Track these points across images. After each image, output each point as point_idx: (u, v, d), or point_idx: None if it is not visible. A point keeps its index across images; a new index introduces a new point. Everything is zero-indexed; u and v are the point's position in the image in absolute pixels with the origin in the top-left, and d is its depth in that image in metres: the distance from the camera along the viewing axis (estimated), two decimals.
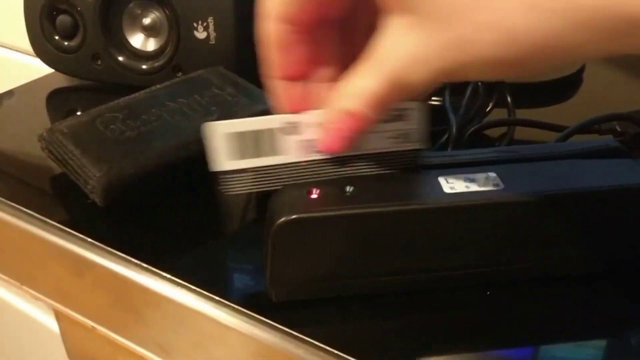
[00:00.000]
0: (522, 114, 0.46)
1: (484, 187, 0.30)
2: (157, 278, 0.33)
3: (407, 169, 0.31)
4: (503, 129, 0.44)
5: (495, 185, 0.31)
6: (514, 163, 0.32)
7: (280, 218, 0.29)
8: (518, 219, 0.30)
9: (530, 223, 0.30)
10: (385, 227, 0.30)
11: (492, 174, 0.31)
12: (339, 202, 0.30)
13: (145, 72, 0.49)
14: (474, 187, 0.30)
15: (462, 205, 0.30)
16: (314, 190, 0.30)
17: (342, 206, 0.30)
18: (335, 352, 0.29)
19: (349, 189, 0.30)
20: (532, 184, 0.31)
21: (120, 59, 0.49)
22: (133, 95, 0.41)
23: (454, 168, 0.32)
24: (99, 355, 0.46)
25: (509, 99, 0.45)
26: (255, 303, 0.31)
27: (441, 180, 0.31)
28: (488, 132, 0.44)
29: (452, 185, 0.30)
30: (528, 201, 0.30)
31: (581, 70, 0.53)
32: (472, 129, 0.40)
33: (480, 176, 0.31)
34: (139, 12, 0.48)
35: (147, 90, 0.42)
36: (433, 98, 0.46)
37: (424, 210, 0.30)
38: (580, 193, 0.30)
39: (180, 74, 0.48)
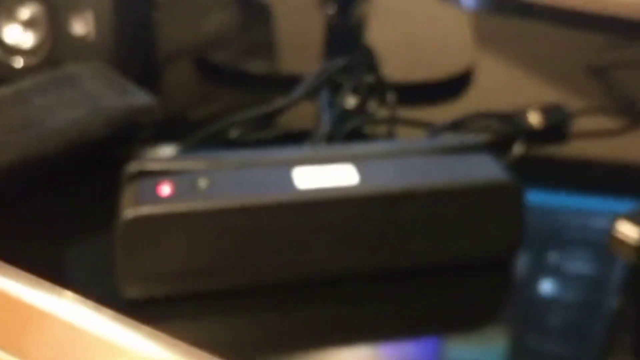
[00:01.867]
0: (408, 113, 0.46)
1: (338, 181, 0.30)
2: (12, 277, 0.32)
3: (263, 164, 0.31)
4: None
5: (351, 179, 0.31)
6: (373, 158, 0.32)
7: (127, 213, 0.28)
8: (370, 213, 0.30)
9: (383, 217, 0.31)
10: (235, 223, 0.29)
11: (349, 167, 0.31)
12: (189, 198, 0.29)
13: (21, 68, 0.47)
14: (328, 182, 0.30)
15: (313, 199, 0.30)
16: (166, 185, 0.30)
17: (192, 202, 0.29)
18: (189, 348, 0.28)
19: (202, 183, 0.30)
20: (387, 179, 0.31)
21: None
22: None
23: (313, 162, 0.32)
24: None
25: (391, 97, 0.45)
26: (109, 301, 0.30)
27: (295, 174, 0.31)
28: (369, 130, 0.45)
29: (306, 179, 0.30)
30: (380, 195, 0.30)
31: (471, 68, 0.54)
32: (348, 127, 0.41)
33: (336, 170, 0.31)
34: (15, 4, 0.47)
35: (16, 84, 0.40)
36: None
37: (275, 206, 0.30)
38: (431, 188, 0.31)
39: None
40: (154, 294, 0.30)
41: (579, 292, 0.34)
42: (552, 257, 0.36)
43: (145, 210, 0.28)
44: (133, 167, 0.31)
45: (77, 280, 0.33)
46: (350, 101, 0.44)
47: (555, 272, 0.35)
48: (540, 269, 0.35)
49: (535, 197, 0.39)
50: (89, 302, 0.30)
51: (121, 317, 0.30)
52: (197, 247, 0.29)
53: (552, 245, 0.37)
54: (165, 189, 0.29)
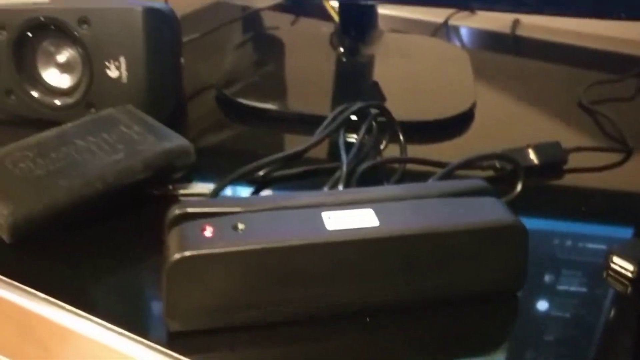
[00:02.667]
0: (415, 150, 0.50)
1: (361, 223, 0.34)
2: (61, 311, 0.35)
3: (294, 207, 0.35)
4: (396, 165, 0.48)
5: (372, 222, 0.34)
6: (390, 202, 0.36)
7: (174, 255, 0.32)
8: (390, 252, 0.34)
9: (400, 256, 0.34)
10: (271, 262, 0.33)
11: (370, 211, 0.35)
12: (230, 240, 0.33)
13: (58, 107, 0.50)
14: (352, 224, 0.34)
15: (340, 240, 0.33)
16: (208, 228, 0.33)
17: (233, 243, 0.32)
18: None
19: (240, 226, 0.33)
20: (404, 221, 0.35)
21: (34, 94, 0.51)
22: (44, 133, 0.43)
23: (337, 206, 0.35)
24: None
25: (401, 137, 0.49)
26: (153, 333, 0.34)
27: (324, 217, 0.34)
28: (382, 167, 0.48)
29: (333, 222, 0.34)
30: (398, 236, 0.34)
31: (473, 106, 0.58)
32: (364, 166, 0.44)
33: (359, 213, 0.35)
34: (53, 49, 0.50)
35: (58, 128, 0.44)
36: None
37: (307, 246, 0.33)
38: (443, 229, 0.34)
39: (93, 110, 0.49)
40: (195, 328, 0.34)
41: (577, 314, 0.37)
42: (553, 281, 0.40)
43: (191, 251, 0.32)
44: (176, 210, 0.34)
45: (113, 310, 0.36)
46: (365, 141, 0.47)
47: (555, 295, 0.38)
48: (542, 293, 0.38)
49: (536, 227, 0.43)
50: (131, 333, 0.34)
51: (160, 346, 0.33)
52: (237, 284, 0.33)
53: (552, 270, 0.40)
54: (208, 232, 0.33)
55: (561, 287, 0.39)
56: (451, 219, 0.35)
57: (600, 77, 0.65)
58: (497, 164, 0.48)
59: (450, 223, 0.35)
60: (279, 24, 0.76)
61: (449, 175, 0.44)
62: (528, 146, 0.50)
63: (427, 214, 0.35)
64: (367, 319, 0.35)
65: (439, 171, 0.45)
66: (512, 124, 0.58)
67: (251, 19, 0.79)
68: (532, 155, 0.50)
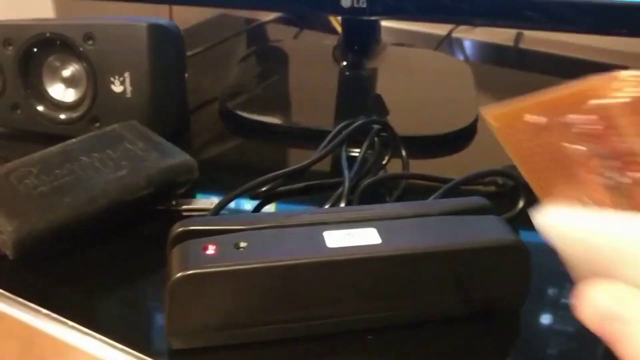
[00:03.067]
0: (418, 165, 0.50)
1: (362, 242, 0.34)
2: (63, 327, 0.35)
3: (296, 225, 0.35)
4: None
5: (373, 240, 0.34)
6: (392, 220, 0.36)
7: (177, 273, 0.32)
8: (392, 271, 0.34)
9: (402, 274, 0.34)
10: (273, 280, 0.33)
11: (372, 230, 0.35)
12: (232, 258, 0.33)
13: (63, 122, 0.51)
14: (353, 242, 0.34)
15: (341, 259, 0.33)
16: (210, 246, 0.33)
17: (234, 262, 0.33)
18: None
19: (242, 244, 0.34)
20: (406, 239, 0.35)
21: (40, 108, 0.51)
22: (48, 150, 0.43)
23: (338, 224, 0.35)
24: None
25: (403, 153, 0.49)
26: (155, 350, 0.34)
27: (325, 235, 0.34)
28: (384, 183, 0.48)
29: (335, 240, 0.34)
30: (400, 255, 0.34)
31: (475, 121, 0.58)
32: (366, 182, 0.44)
33: (360, 232, 0.35)
34: (59, 64, 0.51)
35: (63, 144, 0.44)
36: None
37: (309, 264, 0.33)
38: (445, 248, 0.34)
39: (97, 124, 0.50)
40: (197, 345, 0.34)
41: (578, 330, 0.37)
42: (555, 297, 0.40)
43: (193, 270, 0.32)
44: (178, 228, 0.35)
45: (115, 326, 0.36)
46: (367, 157, 0.48)
47: (557, 311, 0.38)
48: (544, 309, 0.38)
49: (539, 242, 0.43)
50: (132, 350, 0.34)
51: None
52: (238, 302, 0.33)
53: (554, 286, 0.40)
54: (210, 250, 0.33)
55: (563, 303, 0.39)
56: (452, 238, 0.35)
57: None
58: (499, 180, 0.48)
59: (451, 242, 0.35)
60: (283, 36, 0.76)
61: (450, 192, 0.44)
62: None
63: (428, 232, 0.35)
64: (369, 337, 0.35)
65: (441, 187, 0.45)
66: None
67: (255, 32, 0.79)
68: None
